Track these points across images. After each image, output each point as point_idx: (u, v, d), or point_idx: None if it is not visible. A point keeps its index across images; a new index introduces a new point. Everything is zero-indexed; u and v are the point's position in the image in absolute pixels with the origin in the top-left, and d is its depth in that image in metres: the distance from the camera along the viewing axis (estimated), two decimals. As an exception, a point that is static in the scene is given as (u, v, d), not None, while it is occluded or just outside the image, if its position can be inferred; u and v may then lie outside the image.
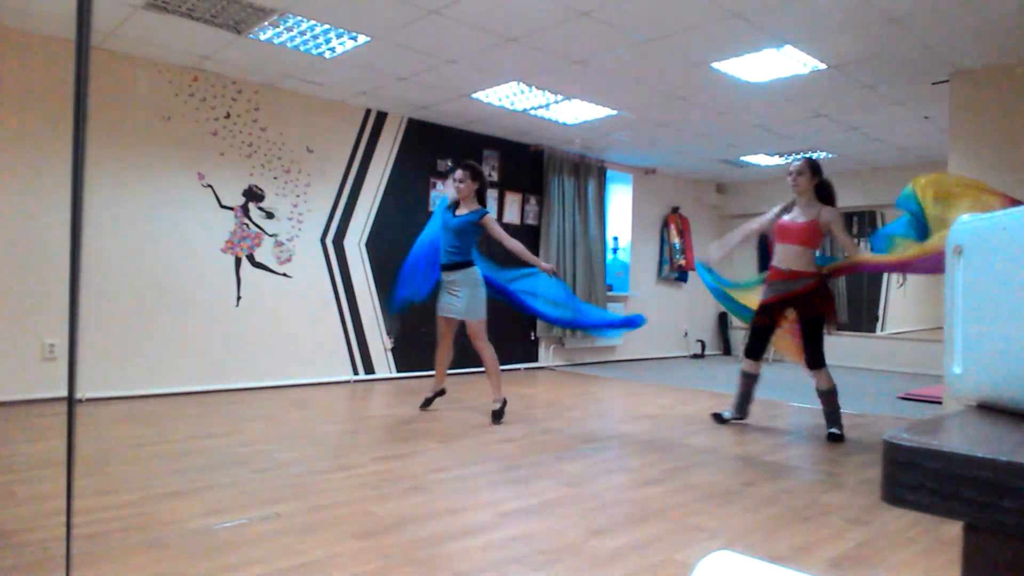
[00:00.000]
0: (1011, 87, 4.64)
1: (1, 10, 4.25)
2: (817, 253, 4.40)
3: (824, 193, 4.34)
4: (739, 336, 9.75)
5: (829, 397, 4.34)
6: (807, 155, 4.99)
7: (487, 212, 4.48)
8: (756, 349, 4.57)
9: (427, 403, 4.86)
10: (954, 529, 2.55)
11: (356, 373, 6.18)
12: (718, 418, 4.72)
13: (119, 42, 4.71)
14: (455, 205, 4.58)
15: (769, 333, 4.49)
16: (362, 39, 4.53)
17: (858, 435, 4.51)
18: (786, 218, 4.36)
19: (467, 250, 4.51)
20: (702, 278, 5.02)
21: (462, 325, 4.58)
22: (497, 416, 4.50)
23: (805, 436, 4.57)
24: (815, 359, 4.29)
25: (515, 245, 4.46)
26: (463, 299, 4.46)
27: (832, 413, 4.35)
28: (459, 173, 4.54)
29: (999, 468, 0.47)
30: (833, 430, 4.31)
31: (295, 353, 5.84)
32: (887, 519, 2.78)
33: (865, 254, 4.53)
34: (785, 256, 4.31)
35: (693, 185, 9.60)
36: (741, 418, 4.69)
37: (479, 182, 4.51)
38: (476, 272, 4.52)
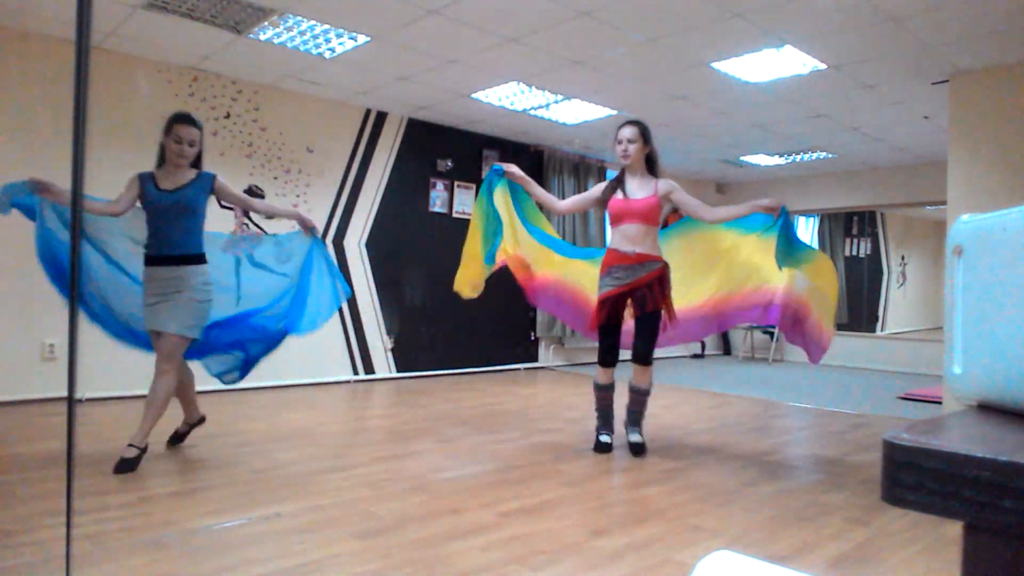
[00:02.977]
0: (1011, 87, 4.64)
1: (1, 10, 4.25)
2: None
3: (652, 164, 3.77)
4: (739, 336, 9.75)
5: (645, 398, 3.79)
6: (632, 117, 4.02)
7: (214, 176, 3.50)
8: (612, 355, 3.79)
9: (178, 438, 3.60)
10: (954, 529, 2.55)
11: (356, 373, 6.18)
12: (603, 447, 3.81)
13: (119, 42, 4.71)
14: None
15: (618, 332, 3.79)
16: (362, 39, 4.53)
17: (858, 435, 4.51)
18: (618, 196, 3.71)
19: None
20: (484, 188, 3.97)
21: None
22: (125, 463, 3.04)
23: (805, 436, 4.57)
24: (648, 355, 3.72)
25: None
26: None
27: (638, 415, 3.84)
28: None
29: (999, 468, 0.47)
30: (636, 437, 3.80)
31: (295, 353, 5.83)
32: (887, 519, 2.78)
33: (724, 210, 3.76)
34: (628, 237, 3.65)
35: (693, 185, 9.60)
36: (610, 434, 3.88)
37: None
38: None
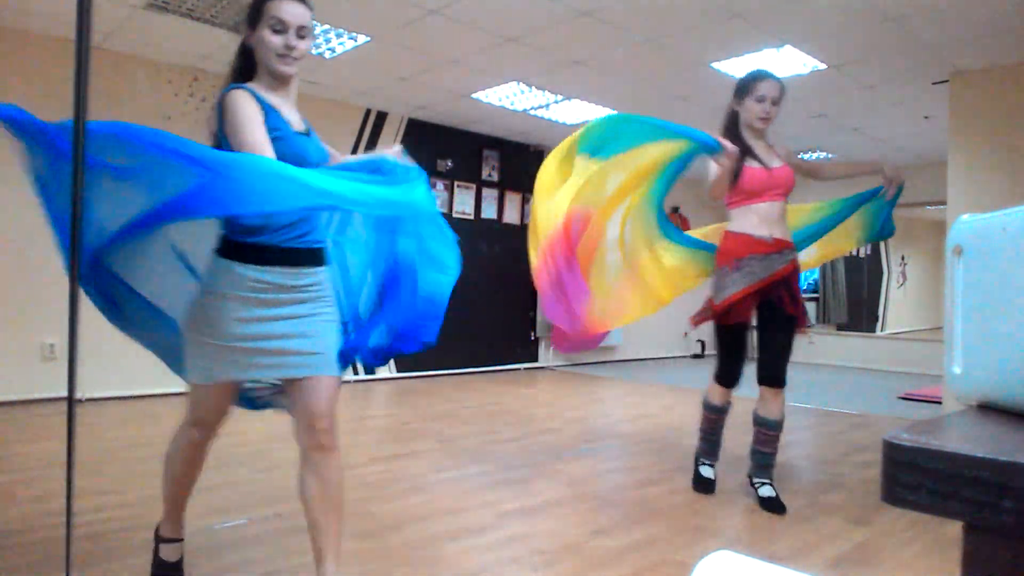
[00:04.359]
0: (1011, 87, 4.63)
1: (1, 10, 4.25)
2: None
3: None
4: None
5: (778, 433, 3.02)
6: (765, 69, 3.14)
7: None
8: (734, 370, 3.11)
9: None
10: (954, 529, 2.55)
11: (356, 373, 6.18)
12: (706, 485, 3.18)
13: (119, 42, 4.70)
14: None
15: (746, 342, 3.09)
16: (362, 39, 4.53)
17: (858, 435, 4.51)
18: (753, 165, 2.96)
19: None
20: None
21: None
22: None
23: (805, 436, 4.57)
24: (784, 374, 3.00)
25: None
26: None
27: (770, 458, 3.02)
28: None
29: (999, 468, 0.47)
30: (769, 491, 2.94)
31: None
32: (887, 519, 2.78)
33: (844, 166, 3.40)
34: (766, 218, 2.92)
35: (693, 185, 9.57)
36: (714, 466, 3.29)
37: None
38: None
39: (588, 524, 2.62)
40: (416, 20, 4.18)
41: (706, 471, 3.21)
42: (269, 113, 1.79)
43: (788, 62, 4.70)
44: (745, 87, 3.02)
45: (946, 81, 4.93)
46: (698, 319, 3.19)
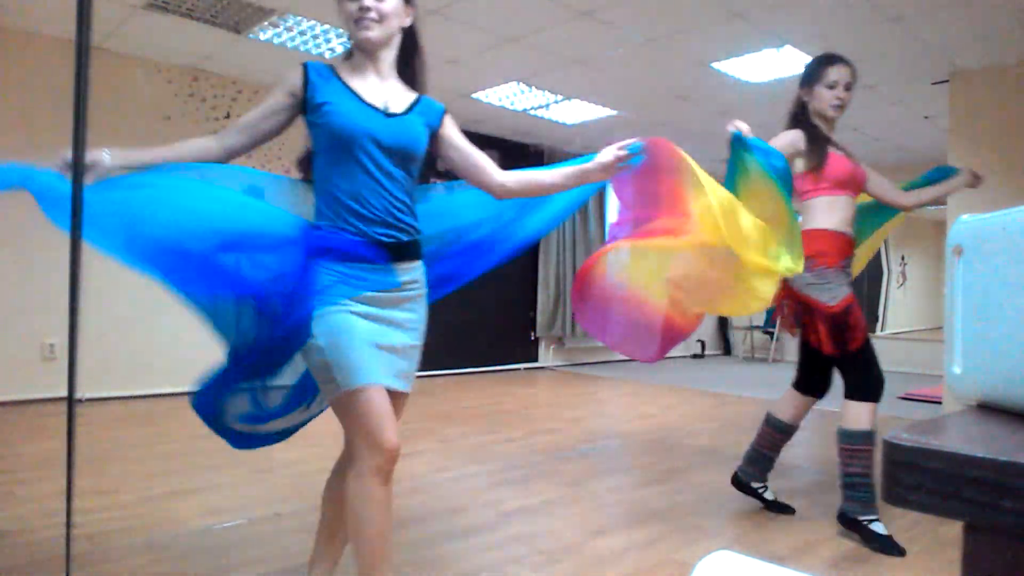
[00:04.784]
0: (1011, 87, 4.64)
1: (1, 10, 4.25)
2: None
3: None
4: (739, 336, 9.75)
5: (872, 439, 2.53)
6: (835, 52, 2.80)
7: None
8: (821, 379, 2.77)
9: None
10: (954, 529, 2.55)
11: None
12: (780, 507, 2.88)
13: (119, 42, 4.70)
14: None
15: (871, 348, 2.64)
16: (362, 39, 4.53)
17: (858, 435, 4.51)
18: (839, 154, 2.68)
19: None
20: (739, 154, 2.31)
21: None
22: None
23: (805, 436, 4.57)
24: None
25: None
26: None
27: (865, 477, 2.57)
28: None
29: (999, 468, 0.47)
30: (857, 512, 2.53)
31: (295, 353, 5.84)
32: (887, 519, 2.78)
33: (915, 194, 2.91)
34: (851, 216, 2.64)
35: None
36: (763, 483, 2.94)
37: None
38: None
39: (588, 524, 2.62)
40: (416, 20, 4.18)
41: (769, 493, 2.92)
42: (319, 87, 1.65)
43: (788, 62, 4.70)
44: (813, 73, 2.74)
45: (946, 81, 4.93)
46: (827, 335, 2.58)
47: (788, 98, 3.01)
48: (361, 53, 1.70)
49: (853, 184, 2.64)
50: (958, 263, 0.68)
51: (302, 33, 4.46)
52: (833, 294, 2.52)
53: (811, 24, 4.07)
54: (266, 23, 4.30)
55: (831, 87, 2.67)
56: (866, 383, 2.54)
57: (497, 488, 3.07)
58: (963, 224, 0.68)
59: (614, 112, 6.11)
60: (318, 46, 4.68)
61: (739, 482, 2.94)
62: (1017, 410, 0.62)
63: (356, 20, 1.63)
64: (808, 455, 4.02)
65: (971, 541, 0.52)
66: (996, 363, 0.63)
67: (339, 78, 1.68)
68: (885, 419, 5.16)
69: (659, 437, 4.22)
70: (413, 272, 1.73)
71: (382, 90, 1.71)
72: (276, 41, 4.61)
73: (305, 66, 1.68)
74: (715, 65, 4.81)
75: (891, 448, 0.53)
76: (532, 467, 3.43)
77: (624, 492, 3.13)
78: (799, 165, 2.63)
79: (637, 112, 6.14)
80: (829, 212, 2.59)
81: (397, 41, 1.79)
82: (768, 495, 2.90)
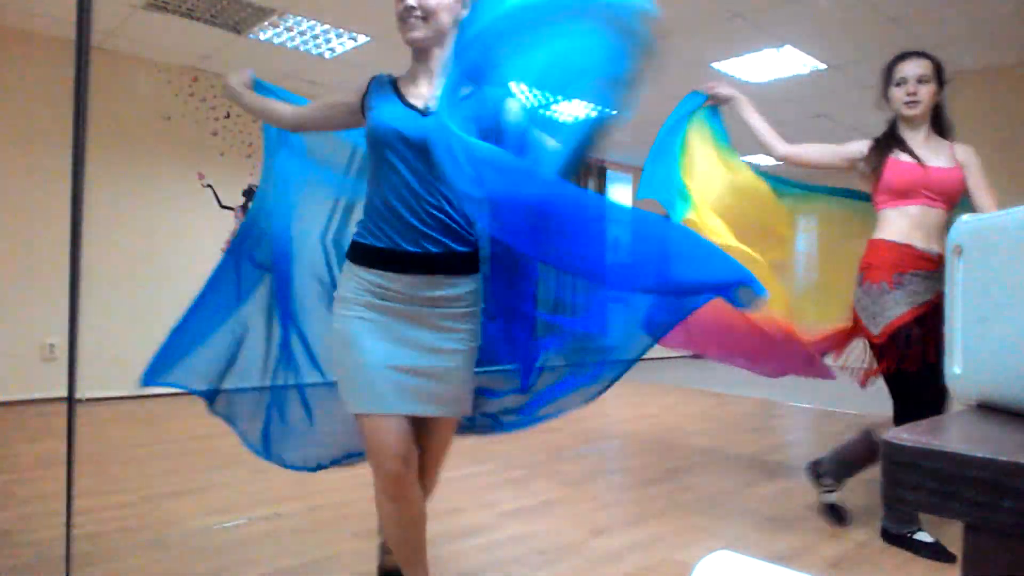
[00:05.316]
0: (1011, 87, 4.64)
1: (2, 10, 4.25)
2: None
3: (941, 119, 2.62)
4: (739, 336, 9.73)
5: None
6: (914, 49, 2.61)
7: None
8: (930, 401, 2.38)
9: None
10: (954, 529, 2.55)
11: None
12: (838, 515, 2.73)
13: (119, 42, 4.70)
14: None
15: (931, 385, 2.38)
16: (362, 39, 4.53)
17: (858, 435, 4.51)
18: (903, 159, 2.45)
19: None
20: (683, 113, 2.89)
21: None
22: None
23: (805, 436, 4.57)
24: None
25: None
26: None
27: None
28: None
29: (999, 468, 0.47)
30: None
31: (295, 353, 5.84)
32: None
33: None
34: (923, 225, 2.39)
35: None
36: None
37: None
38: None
39: (588, 524, 2.62)
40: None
41: (832, 497, 2.79)
42: (374, 93, 1.65)
43: (788, 62, 4.70)
44: (884, 76, 2.57)
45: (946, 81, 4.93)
46: (867, 373, 2.54)
47: (788, 98, 3.00)
48: (413, 52, 1.64)
49: (923, 193, 2.40)
50: (958, 263, 0.68)
51: (302, 33, 4.47)
52: (877, 320, 2.36)
53: (811, 24, 4.07)
54: (266, 23, 4.30)
55: (900, 84, 2.51)
56: (917, 414, 2.26)
57: (497, 488, 3.07)
58: (963, 224, 0.68)
59: (614, 112, 6.11)
60: (318, 46, 4.69)
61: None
62: (1017, 410, 0.62)
63: (402, 20, 1.56)
64: (808, 455, 4.02)
65: (971, 541, 0.51)
66: (996, 363, 0.63)
67: (393, 84, 1.66)
68: (885, 419, 5.17)
69: (659, 437, 4.22)
70: (455, 288, 1.59)
71: (431, 90, 1.60)
72: (276, 41, 4.61)
73: (375, 79, 1.70)
74: (715, 65, 4.81)
75: (891, 448, 0.53)
76: (532, 467, 3.43)
77: (624, 492, 3.13)
78: (862, 170, 2.57)
79: (636, 112, 6.14)
80: (890, 222, 2.43)
81: (451, 38, 1.59)
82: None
